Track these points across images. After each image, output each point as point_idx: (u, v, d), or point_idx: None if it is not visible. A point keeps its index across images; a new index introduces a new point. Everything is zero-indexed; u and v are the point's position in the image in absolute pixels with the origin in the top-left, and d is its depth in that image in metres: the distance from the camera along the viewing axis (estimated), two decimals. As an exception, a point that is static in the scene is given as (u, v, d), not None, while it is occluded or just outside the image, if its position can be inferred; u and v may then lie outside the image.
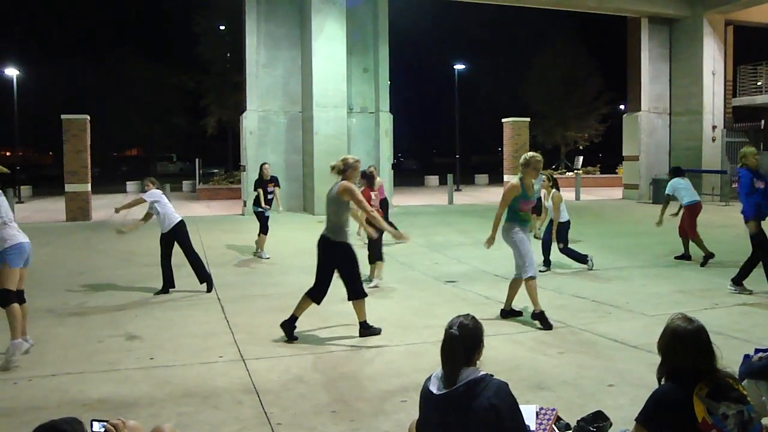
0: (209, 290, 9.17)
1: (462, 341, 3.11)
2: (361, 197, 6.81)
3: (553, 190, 10.43)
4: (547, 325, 6.98)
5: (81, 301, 8.62)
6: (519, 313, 7.49)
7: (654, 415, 3.03)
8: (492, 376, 3.09)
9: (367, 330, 6.78)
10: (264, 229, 12.39)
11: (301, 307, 6.74)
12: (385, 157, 22.13)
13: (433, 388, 3.11)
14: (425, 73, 63.90)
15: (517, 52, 55.43)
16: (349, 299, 6.77)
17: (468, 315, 3.27)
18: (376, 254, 9.60)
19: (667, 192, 11.48)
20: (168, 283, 9.15)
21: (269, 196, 12.49)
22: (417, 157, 71.69)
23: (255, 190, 12.59)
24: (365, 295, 6.82)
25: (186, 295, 8.96)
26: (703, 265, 10.66)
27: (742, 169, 8.63)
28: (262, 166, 12.82)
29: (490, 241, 7.27)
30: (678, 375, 3.06)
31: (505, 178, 25.16)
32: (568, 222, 10.62)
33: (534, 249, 7.46)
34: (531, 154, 7.34)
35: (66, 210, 18.88)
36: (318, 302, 6.77)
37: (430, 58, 57.80)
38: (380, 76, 22.06)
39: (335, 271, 6.77)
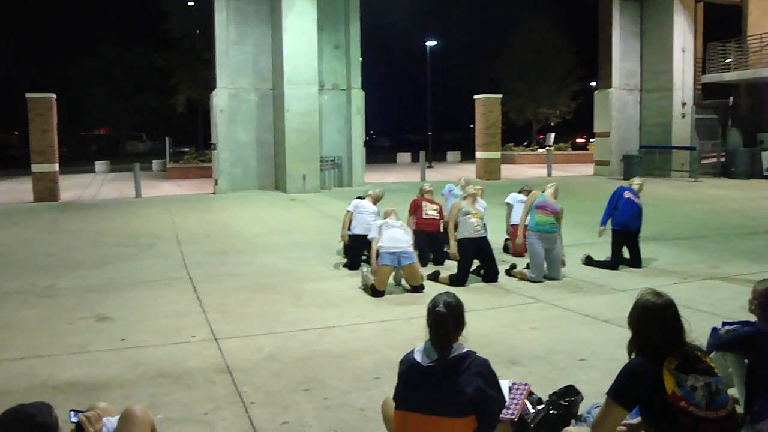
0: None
1: (451, 318, 3.17)
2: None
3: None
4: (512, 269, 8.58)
5: (50, 283, 8.46)
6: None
7: (624, 388, 3.07)
8: (475, 353, 3.18)
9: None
10: None
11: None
12: (357, 134, 22.08)
13: (420, 360, 3.16)
14: (397, 49, 63.42)
15: (490, 29, 55.26)
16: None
17: (449, 293, 3.33)
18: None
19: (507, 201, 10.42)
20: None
21: None
22: (389, 134, 71.39)
23: None
24: None
25: (157, 276, 8.87)
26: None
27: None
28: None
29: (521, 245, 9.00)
30: (648, 349, 3.10)
31: (477, 155, 25.17)
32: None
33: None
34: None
35: (33, 190, 18.53)
36: None
37: (403, 34, 57.32)
38: (352, 52, 21.91)
39: None
